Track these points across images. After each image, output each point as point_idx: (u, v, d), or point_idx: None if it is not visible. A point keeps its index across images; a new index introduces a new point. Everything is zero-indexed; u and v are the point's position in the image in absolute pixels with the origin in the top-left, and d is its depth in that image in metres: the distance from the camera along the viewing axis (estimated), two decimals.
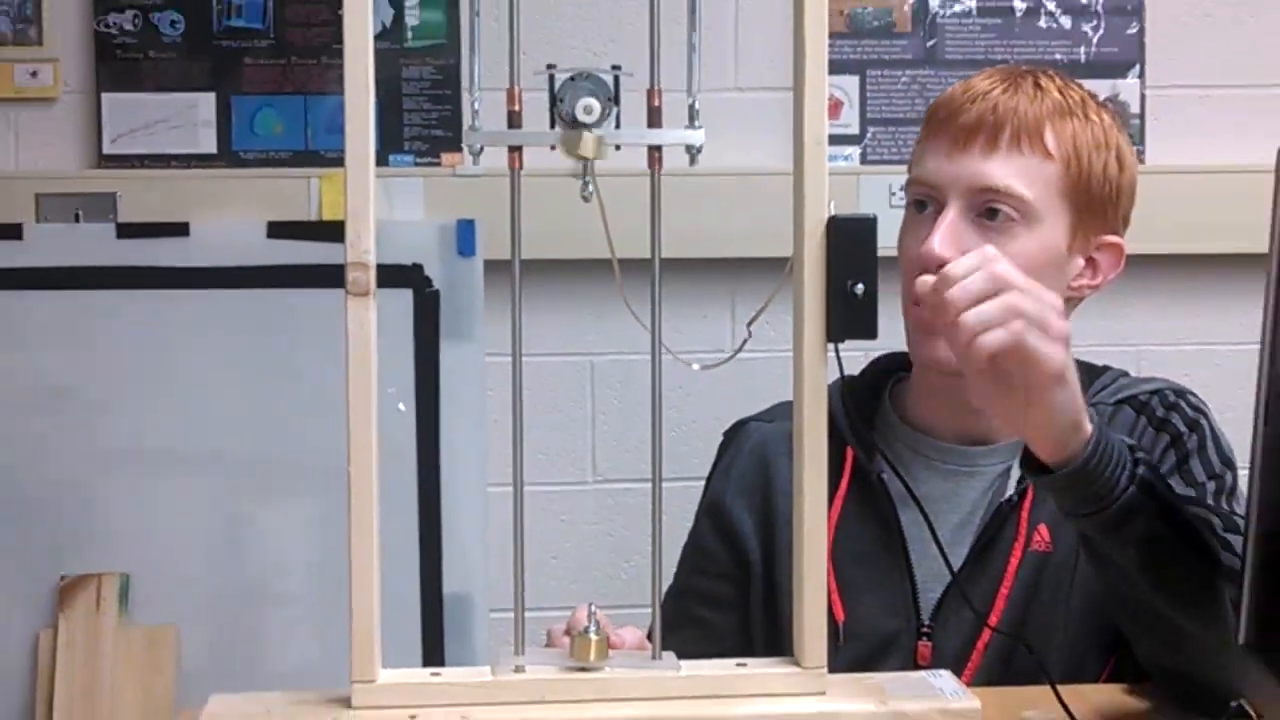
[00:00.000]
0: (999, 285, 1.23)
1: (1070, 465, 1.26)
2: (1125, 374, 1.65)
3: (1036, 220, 1.51)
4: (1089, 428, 1.27)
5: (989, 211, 1.50)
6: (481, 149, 1.18)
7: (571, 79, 1.16)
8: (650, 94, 1.19)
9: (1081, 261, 1.56)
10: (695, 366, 1.30)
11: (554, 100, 1.16)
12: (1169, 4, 2.48)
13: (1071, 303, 1.58)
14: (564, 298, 2.36)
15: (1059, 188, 1.52)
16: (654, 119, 1.19)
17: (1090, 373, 1.63)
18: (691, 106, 1.18)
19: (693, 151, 1.18)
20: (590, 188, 1.17)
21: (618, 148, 1.17)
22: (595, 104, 1.16)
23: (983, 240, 1.49)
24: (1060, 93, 1.55)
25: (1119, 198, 1.57)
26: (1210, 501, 1.46)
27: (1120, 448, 1.28)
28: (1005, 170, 1.50)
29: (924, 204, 1.55)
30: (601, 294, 2.33)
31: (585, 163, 1.17)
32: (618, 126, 1.17)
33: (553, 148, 1.17)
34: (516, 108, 1.19)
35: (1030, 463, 1.30)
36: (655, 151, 1.19)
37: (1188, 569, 1.29)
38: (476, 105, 1.18)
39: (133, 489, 2.32)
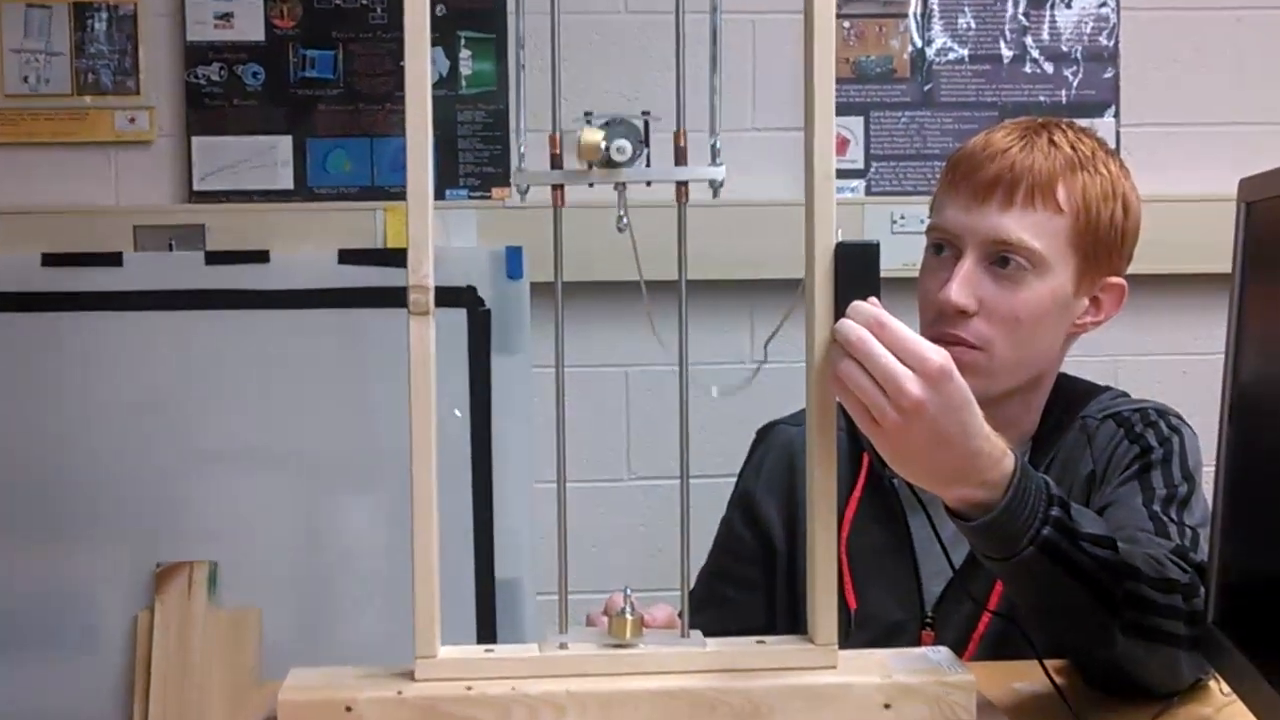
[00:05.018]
0: (850, 351, 1.13)
1: (973, 520, 1.19)
2: (1124, 394, 1.62)
3: (1046, 269, 1.49)
4: (999, 482, 1.18)
5: (1002, 260, 1.49)
6: (528, 188, 1.19)
7: (607, 124, 1.16)
8: (677, 135, 1.18)
9: (1086, 302, 1.55)
10: (714, 390, 1.29)
11: None
12: (1140, 51, 2.47)
13: (1073, 337, 1.58)
14: (601, 315, 2.36)
15: (1068, 238, 1.50)
16: (680, 158, 1.19)
17: (1091, 390, 1.62)
18: (714, 146, 1.18)
19: (715, 186, 1.18)
20: (625, 220, 1.17)
21: (648, 184, 1.18)
22: (628, 145, 1.16)
23: (997, 287, 1.49)
24: (1072, 147, 1.52)
25: (1123, 242, 1.55)
26: (1158, 508, 1.44)
27: (1032, 508, 1.19)
28: (1019, 224, 1.48)
29: (942, 248, 1.54)
30: (635, 312, 2.33)
31: (620, 194, 1.17)
32: (648, 165, 1.17)
33: (591, 185, 1.18)
34: (558, 151, 1.19)
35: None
36: (682, 186, 1.19)
37: (1072, 620, 1.26)
38: (523, 149, 1.19)
39: (220, 486, 2.33)
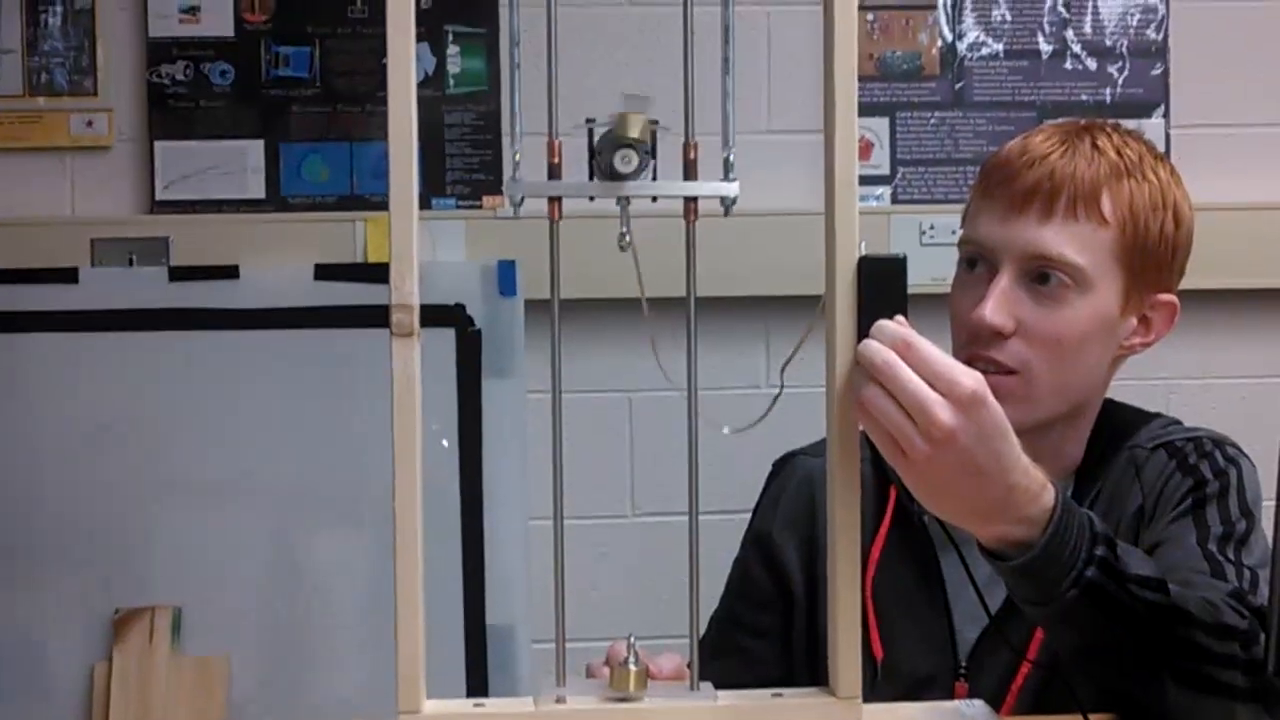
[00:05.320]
0: (875, 375, 1.12)
1: (1010, 560, 1.19)
2: (1176, 422, 1.62)
3: (1090, 286, 1.49)
4: (1038, 518, 1.18)
5: (1042, 277, 1.49)
6: (522, 199, 1.19)
7: (609, 132, 1.17)
8: (686, 147, 1.19)
9: (1134, 321, 1.55)
10: (725, 430, 1.29)
11: (593, 153, 1.16)
12: (1193, 45, 2.48)
13: (1120, 359, 1.58)
14: (602, 336, 2.36)
15: (1113, 252, 1.50)
16: (690, 172, 1.19)
17: (1139, 418, 1.62)
18: (726, 160, 1.18)
19: (727, 203, 1.18)
20: (628, 237, 1.17)
21: (654, 199, 1.18)
22: (633, 156, 1.16)
23: (1036, 306, 1.49)
24: (1118, 152, 1.52)
25: (1174, 256, 1.55)
26: (1213, 547, 1.44)
27: (1075, 547, 1.19)
28: (1059, 238, 1.48)
29: (976, 263, 1.54)
30: (639, 332, 2.31)
31: (623, 209, 1.17)
32: (654, 178, 1.17)
33: (591, 199, 1.18)
34: (556, 160, 1.19)
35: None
36: (690, 203, 1.19)
37: (1119, 671, 1.26)
38: (518, 157, 1.19)
39: (184, 524, 2.33)
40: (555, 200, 1.19)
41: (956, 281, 1.57)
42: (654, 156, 1.16)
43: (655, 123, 1.16)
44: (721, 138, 1.18)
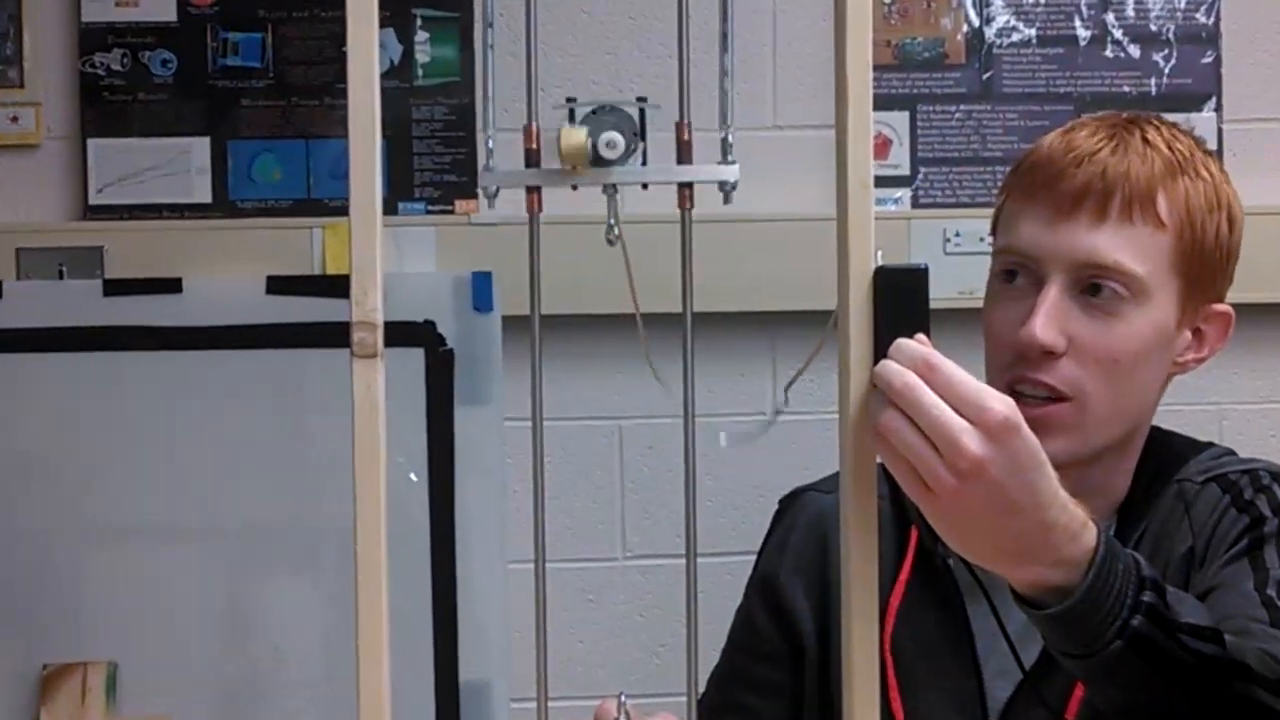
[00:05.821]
0: (894, 400, 1.11)
1: (1047, 608, 1.19)
2: (1230, 452, 1.63)
3: (1146, 297, 1.50)
4: (1078, 560, 1.18)
5: (1093, 288, 1.49)
6: (497, 190, 1.18)
7: (594, 112, 1.16)
8: (679, 127, 1.18)
9: (1189, 335, 1.56)
10: (722, 439, 1.29)
11: None
12: (1248, 30, 2.48)
13: (1171, 378, 1.58)
14: (589, 356, 2.36)
15: (1170, 259, 1.51)
16: (684, 154, 1.19)
17: (1188, 448, 1.62)
18: (725, 140, 1.18)
19: (727, 189, 1.18)
20: (617, 231, 1.17)
21: (645, 186, 1.18)
22: (619, 138, 1.15)
23: (1089, 320, 1.49)
24: (1169, 147, 1.53)
25: (1228, 261, 1.56)
26: (1273, 592, 1.43)
27: (1120, 592, 1.19)
28: (1114, 243, 1.49)
29: (1015, 274, 1.54)
30: (629, 352, 2.33)
31: (610, 199, 1.17)
32: (644, 163, 1.17)
33: (574, 188, 1.18)
34: (535, 146, 1.19)
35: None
36: (685, 189, 1.19)
37: None
38: (491, 144, 1.19)
39: (121, 568, 2.32)
40: (534, 191, 1.19)
41: (992, 295, 1.57)
42: (643, 139, 1.16)
43: (643, 100, 1.16)
44: (719, 115, 1.18)
